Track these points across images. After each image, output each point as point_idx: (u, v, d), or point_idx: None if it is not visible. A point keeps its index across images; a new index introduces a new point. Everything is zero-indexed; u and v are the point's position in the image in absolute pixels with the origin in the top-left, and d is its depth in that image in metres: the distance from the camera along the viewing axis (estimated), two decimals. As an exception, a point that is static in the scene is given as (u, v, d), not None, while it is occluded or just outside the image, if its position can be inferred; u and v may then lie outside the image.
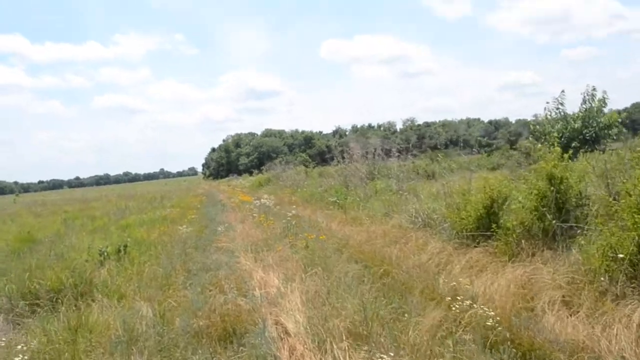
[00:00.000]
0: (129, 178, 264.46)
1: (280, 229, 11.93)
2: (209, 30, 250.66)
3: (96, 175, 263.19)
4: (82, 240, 12.13)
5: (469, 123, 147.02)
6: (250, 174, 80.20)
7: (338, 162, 22.38)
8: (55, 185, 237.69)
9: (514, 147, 25.93)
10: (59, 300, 6.86)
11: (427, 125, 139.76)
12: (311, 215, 15.71)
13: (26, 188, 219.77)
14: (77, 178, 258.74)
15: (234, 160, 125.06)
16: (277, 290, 6.60)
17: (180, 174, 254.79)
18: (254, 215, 14.92)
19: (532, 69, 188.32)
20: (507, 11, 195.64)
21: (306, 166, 40.65)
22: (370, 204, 14.48)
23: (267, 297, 6.46)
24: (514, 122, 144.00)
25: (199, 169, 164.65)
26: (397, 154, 17.93)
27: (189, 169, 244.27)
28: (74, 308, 6.35)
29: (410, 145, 21.01)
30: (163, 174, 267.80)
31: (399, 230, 10.36)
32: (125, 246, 9.40)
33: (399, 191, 15.21)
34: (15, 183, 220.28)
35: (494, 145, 24.58)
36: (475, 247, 8.00)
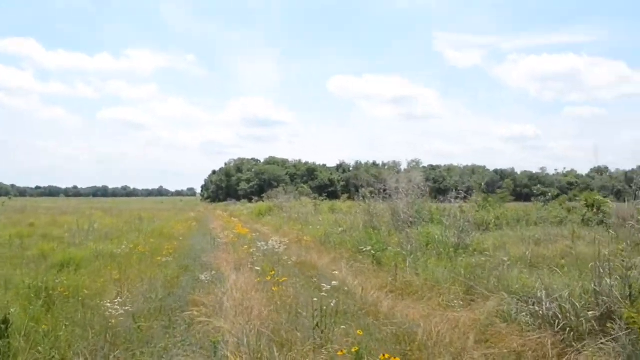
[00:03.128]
0: (127, 192, 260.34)
1: (296, 295, 7.45)
2: (220, 54, 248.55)
3: (94, 187, 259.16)
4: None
5: (474, 170, 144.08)
6: (250, 200, 75.95)
7: (360, 196, 17.93)
8: (52, 192, 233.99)
9: (576, 198, 21.60)
10: None
11: (432, 168, 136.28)
12: (334, 269, 11.23)
13: (22, 192, 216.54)
14: (75, 187, 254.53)
15: (233, 184, 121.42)
16: None
17: (179, 193, 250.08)
18: (254, 262, 10.44)
19: (535, 123, 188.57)
20: (515, 65, 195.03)
21: (314, 198, 36.18)
22: (423, 262, 9.99)
23: None
24: (519, 172, 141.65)
25: (198, 190, 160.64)
26: (459, 193, 13.32)
27: (188, 189, 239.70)
28: None
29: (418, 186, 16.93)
30: (161, 192, 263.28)
31: (511, 329, 5.86)
32: (5, 323, 4.82)
33: (460, 246, 10.76)
34: (12, 186, 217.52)
35: (549, 195, 20.42)
36: None
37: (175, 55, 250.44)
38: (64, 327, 5.46)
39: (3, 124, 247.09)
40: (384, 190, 16.28)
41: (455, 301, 7.41)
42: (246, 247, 12.33)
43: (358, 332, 5.24)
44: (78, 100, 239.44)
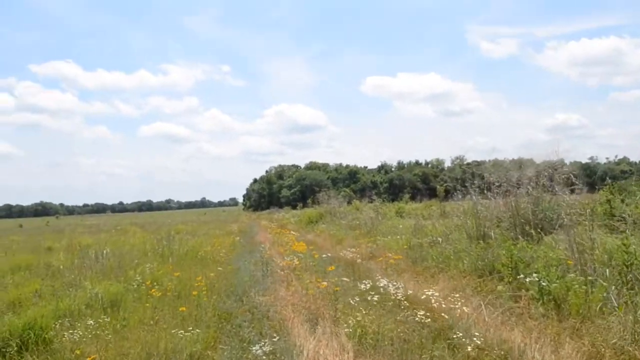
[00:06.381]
0: (170, 205, 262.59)
1: None
2: (253, 61, 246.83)
3: (139, 201, 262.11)
4: None
5: (521, 163, 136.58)
6: (294, 207, 72.07)
7: (461, 194, 13.37)
8: (98, 209, 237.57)
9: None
10: None
11: (477, 163, 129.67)
12: (464, 309, 6.80)
13: (71, 211, 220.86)
14: (121, 203, 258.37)
15: (275, 192, 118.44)
16: None
17: (221, 204, 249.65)
18: (337, 304, 6.12)
19: (579, 111, 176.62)
20: (553, 52, 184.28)
21: (371, 201, 31.62)
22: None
23: None
24: (568, 163, 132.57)
25: (240, 199, 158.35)
26: None
27: (230, 199, 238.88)
28: None
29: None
30: (204, 203, 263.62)
31: None
32: None
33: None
34: (61, 205, 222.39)
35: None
36: None
37: (210, 66, 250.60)
38: None
39: (50, 145, 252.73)
40: (496, 185, 11.71)
41: None
42: (318, 279, 7.97)
43: None
44: (119, 118, 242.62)
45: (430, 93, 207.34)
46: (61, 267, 11.02)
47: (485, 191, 12.06)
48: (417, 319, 6.02)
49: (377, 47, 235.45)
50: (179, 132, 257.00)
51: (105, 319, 6.25)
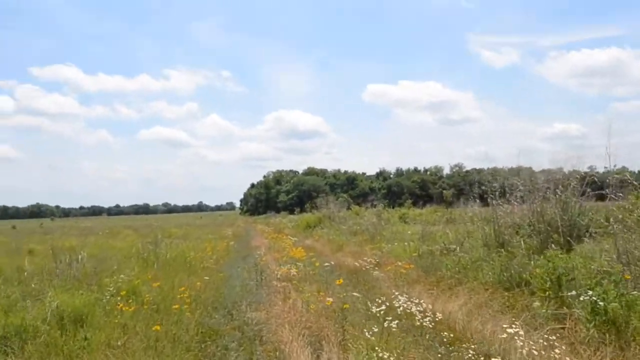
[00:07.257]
0: (167, 209, 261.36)
1: None
2: (254, 67, 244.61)
3: (136, 205, 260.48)
4: None
5: (520, 171, 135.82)
6: (292, 212, 71.09)
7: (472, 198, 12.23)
8: (95, 211, 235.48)
9: None
10: None
11: (477, 171, 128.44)
12: (498, 333, 5.63)
13: (67, 213, 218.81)
14: (117, 206, 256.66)
15: (273, 197, 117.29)
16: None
17: (218, 208, 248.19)
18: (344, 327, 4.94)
19: (579, 121, 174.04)
20: (554, 62, 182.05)
21: (373, 206, 30.47)
22: None
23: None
24: (567, 172, 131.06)
25: (237, 204, 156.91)
26: None
27: (227, 203, 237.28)
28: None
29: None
30: (201, 207, 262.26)
31: None
32: None
33: None
34: (57, 207, 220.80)
35: None
36: None
37: (210, 71, 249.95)
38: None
39: (50, 148, 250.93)
40: (517, 189, 10.57)
41: None
42: (320, 291, 6.81)
43: None
44: (120, 122, 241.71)
45: (430, 101, 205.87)
46: (26, 273, 9.78)
47: (507, 195, 10.91)
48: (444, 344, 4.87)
49: (378, 55, 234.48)
50: (179, 137, 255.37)
51: (60, 339, 5.08)
